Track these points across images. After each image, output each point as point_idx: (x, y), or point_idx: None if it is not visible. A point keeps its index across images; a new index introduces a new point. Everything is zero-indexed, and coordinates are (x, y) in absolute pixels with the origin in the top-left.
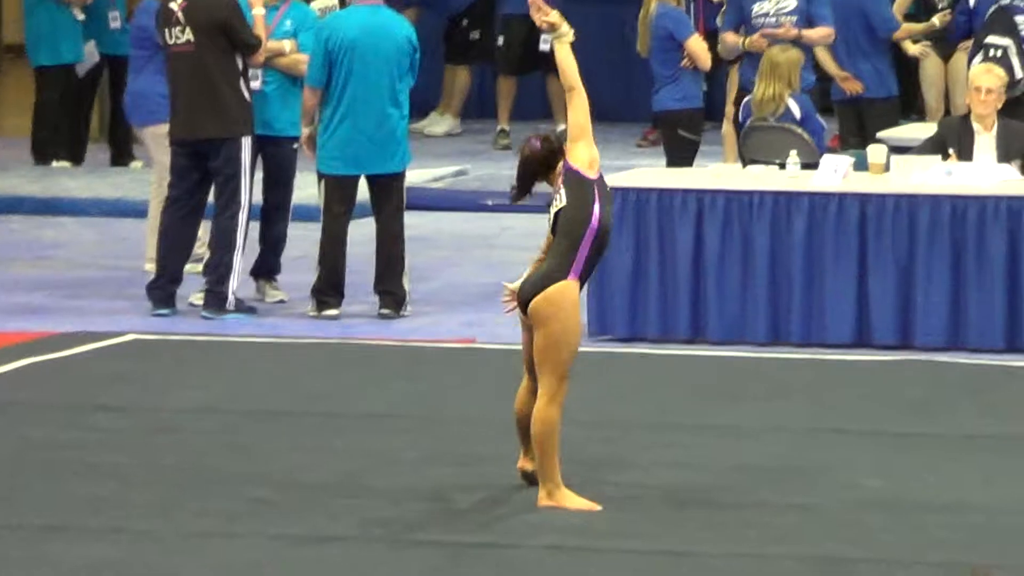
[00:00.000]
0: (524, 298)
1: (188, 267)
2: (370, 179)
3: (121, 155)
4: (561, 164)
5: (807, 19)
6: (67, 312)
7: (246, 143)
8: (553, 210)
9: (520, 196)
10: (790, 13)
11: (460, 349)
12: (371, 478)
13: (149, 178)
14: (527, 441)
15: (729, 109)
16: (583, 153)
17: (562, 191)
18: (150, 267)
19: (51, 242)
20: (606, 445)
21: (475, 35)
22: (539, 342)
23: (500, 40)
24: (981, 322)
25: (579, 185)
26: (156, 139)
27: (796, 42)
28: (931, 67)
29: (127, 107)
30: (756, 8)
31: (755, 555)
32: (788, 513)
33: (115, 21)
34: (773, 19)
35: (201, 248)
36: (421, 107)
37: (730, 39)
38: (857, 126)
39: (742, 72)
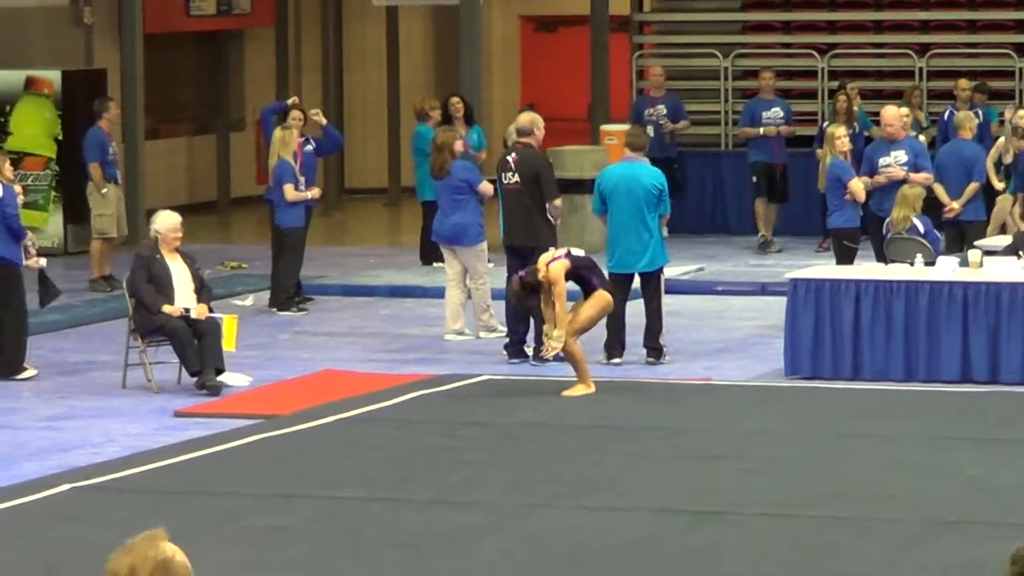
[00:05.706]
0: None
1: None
2: (639, 274)
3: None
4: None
5: (914, 168)
6: (443, 361)
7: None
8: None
9: (522, 305)
10: (903, 164)
11: (701, 384)
12: (636, 462)
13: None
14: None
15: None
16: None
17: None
18: (449, 337)
19: (433, 315)
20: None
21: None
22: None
23: (753, 178)
24: None
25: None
26: (476, 254)
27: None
28: (1002, 201)
29: (448, 234)
30: (881, 161)
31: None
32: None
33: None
34: (891, 167)
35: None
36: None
37: (864, 180)
38: (958, 238)
39: (874, 201)
